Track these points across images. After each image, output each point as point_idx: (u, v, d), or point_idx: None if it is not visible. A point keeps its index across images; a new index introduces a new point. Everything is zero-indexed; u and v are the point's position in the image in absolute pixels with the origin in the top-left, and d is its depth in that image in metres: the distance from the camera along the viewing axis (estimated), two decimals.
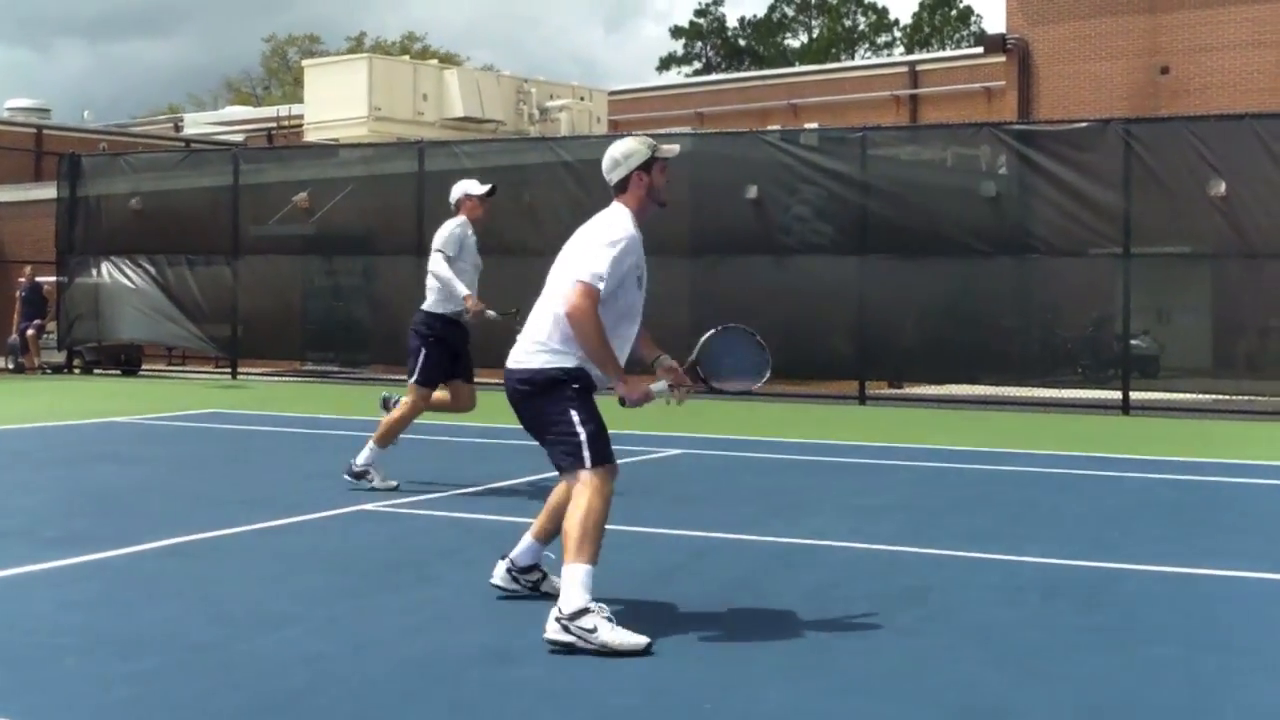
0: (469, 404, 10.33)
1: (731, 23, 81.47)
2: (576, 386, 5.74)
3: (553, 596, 5.83)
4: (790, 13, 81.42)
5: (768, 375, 6.45)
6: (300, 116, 35.12)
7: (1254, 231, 17.41)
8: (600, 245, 5.76)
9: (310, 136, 31.81)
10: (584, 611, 5.38)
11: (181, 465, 11.71)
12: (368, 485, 9.63)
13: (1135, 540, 8.18)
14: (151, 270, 24.19)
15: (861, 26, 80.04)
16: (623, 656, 5.28)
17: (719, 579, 6.86)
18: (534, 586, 6.30)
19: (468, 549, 7.61)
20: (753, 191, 20.08)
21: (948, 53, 56.82)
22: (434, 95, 31.53)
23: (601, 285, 5.67)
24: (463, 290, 9.89)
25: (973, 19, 74.88)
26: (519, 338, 5.92)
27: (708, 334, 6.36)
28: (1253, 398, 17.89)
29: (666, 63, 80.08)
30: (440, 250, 9.93)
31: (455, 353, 10.09)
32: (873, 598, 6.41)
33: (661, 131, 27.68)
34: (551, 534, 6.19)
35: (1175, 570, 7.20)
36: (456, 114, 31.33)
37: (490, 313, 10.02)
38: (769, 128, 27.45)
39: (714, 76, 61.29)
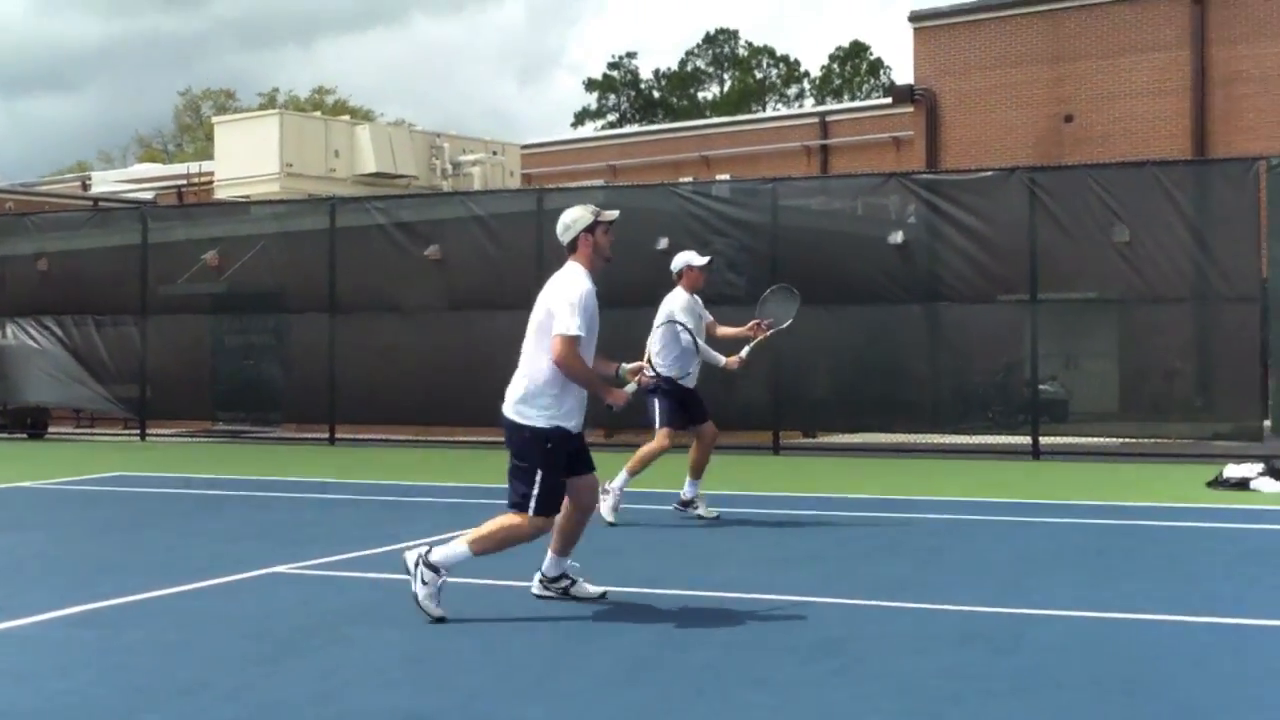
0: (710, 436, 11.42)
1: (645, 75, 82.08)
2: (549, 445, 7.13)
3: (582, 600, 7.48)
4: (703, 65, 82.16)
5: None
6: (211, 173, 34.84)
7: (1157, 276, 17.72)
8: (567, 304, 7.06)
9: (221, 194, 31.56)
10: (436, 571, 6.97)
11: (87, 531, 11.51)
12: (694, 514, 11.14)
13: (1047, 585, 8.26)
14: (58, 331, 23.84)
15: (773, 78, 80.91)
16: (420, 609, 6.93)
17: (633, 633, 6.84)
18: (564, 591, 7.56)
19: (381, 609, 7.54)
20: (664, 243, 20.16)
21: (857, 103, 57.51)
22: (346, 151, 31.41)
23: (580, 333, 7.07)
24: (721, 359, 11.37)
25: (883, 70, 75.96)
26: (508, 389, 7.27)
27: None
28: (1159, 440, 18.15)
29: (581, 116, 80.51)
30: (682, 323, 10.31)
31: (683, 402, 11.11)
32: (786, 649, 6.42)
33: (574, 185, 27.82)
34: (566, 546, 7.55)
35: (1086, 615, 7.27)
36: (369, 169, 31.22)
37: (746, 351, 11.26)
38: (681, 180, 27.65)
39: (627, 129, 61.61)
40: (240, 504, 13.23)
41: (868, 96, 69.95)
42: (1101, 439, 18.56)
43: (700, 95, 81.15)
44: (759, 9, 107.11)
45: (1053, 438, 18.31)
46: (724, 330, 11.37)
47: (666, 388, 10.28)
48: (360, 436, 21.97)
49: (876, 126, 37.29)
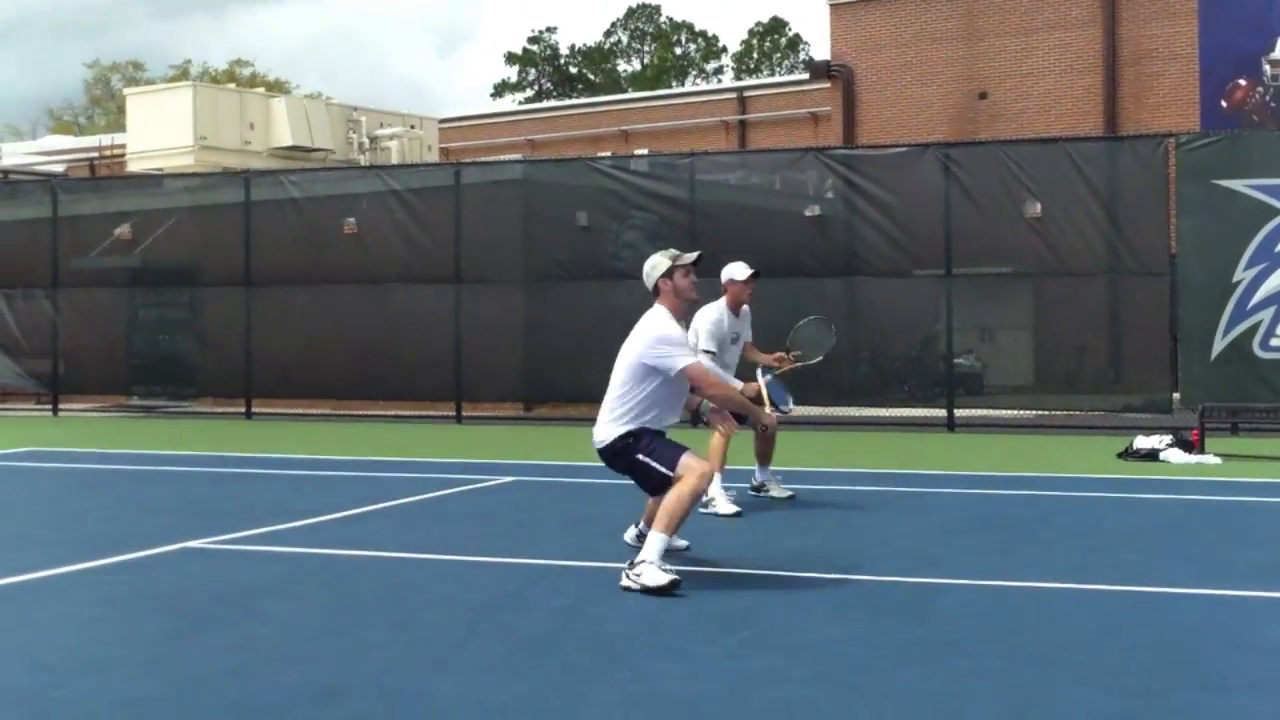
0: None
1: (564, 49, 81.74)
2: (631, 440, 7.46)
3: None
4: (623, 40, 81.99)
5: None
6: (123, 146, 34.37)
7: (1069, 251, 17.96)
8: (671, 339, 7.50)
9: (133, 166, 31.15)
10: (641, 563, 7.09)
11: None
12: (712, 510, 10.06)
13: (958, 555, 8.37)
14: None
15: (692, 53, 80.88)
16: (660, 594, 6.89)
17: (553, 606, 6.86)
18: (639, 538, 7.99)
19: (295, 584, 7.51)
20: (583, 218, 20.19)
21: (775, 79, 57.68)
22: (261, 124, 31.10)
23: (708, 359, 8.30)
24: (738, 385, 9.86)
25: (802, 46, 76.15)
26: (597, 424, 7.60)
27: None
28: (1072, 413, 18.44)
29: (500, 89, 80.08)
30: (707, 350, 10.06)
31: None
32: (698, 620, 6.47)
33: (492, 159, 27.71)
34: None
35: (996, 584, 7.39)
36: (285, 143, 30.95)
37: (766, 378, 10.21)
38: (600, 154, 27.63)
39: (546, 104, 61.40)
40: (154, 479, 13.10)
41: (788, 73, 70.11)
42: (1015, 411, 18.82)
43: (620, 70, 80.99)
44: None
45: (968, 410, 18.55)
46: (755, 355, 10.68)
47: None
48: (277, 411, 21.83)
49: (794, 102, 37.45)
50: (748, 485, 11.03)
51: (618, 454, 7.52)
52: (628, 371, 7.54)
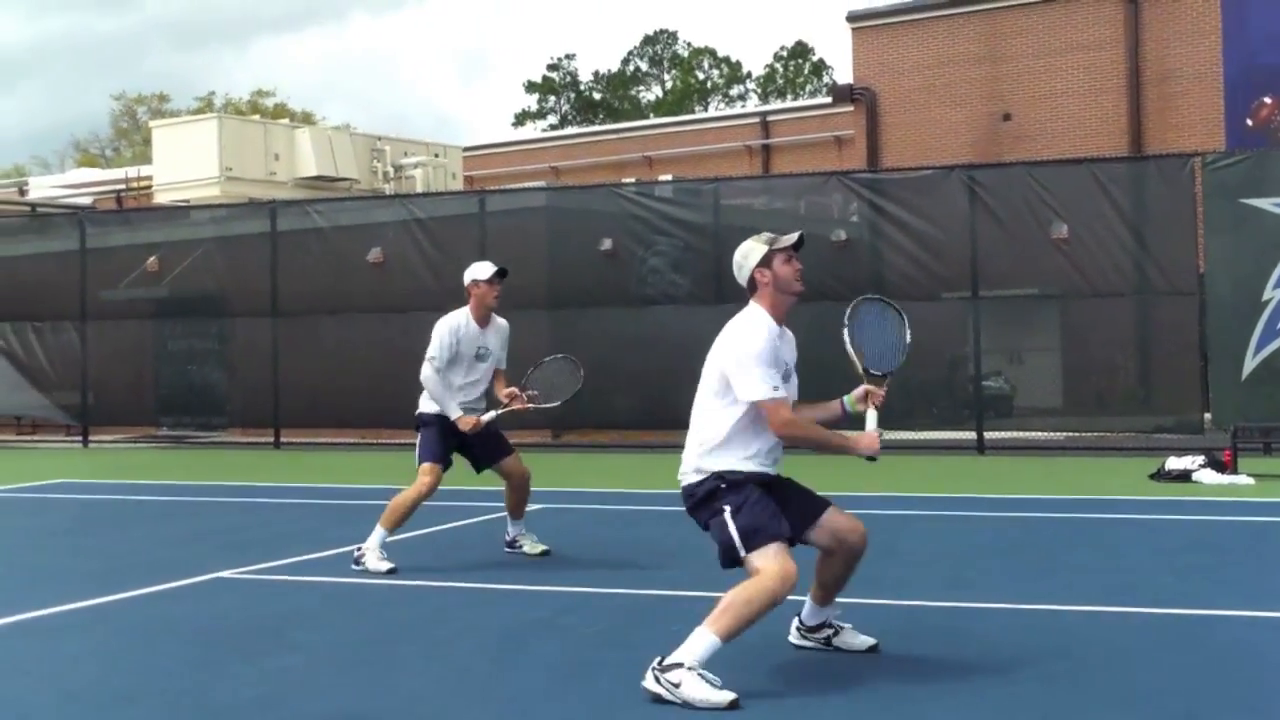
0: (518, 476, 9.42)
1: (585, 76, 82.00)
2: (723, 487, 5.79)
3: (847, 651, 6.23)
4: (643, 66, 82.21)
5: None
6: (150, 178, 34.54)
7: (1096, 272, 17.87)
8: (752, 358, 5.77)
9: (160, 198, 31.30)
10: (677, 666, 5.41)
11: (27, 539, 11.37)
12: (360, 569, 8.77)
13: (991, 578, 8.31)
14: None
15: (715, 79, 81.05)
16: (705, 711, 5.29)
17: (584, 633, 6.82)
18: (826, 642, 6.34)
19: (325, 613, 7.49)
20: (608, 244, 20.19)
21: (798, 103, 57.71)
22: (286, 155, 31.21)
23: (779, 394, 5.77)
24: (455, 413, 9.03)
25: (826, 71, 76.20)
26: (683, 454, 5.95)
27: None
28: (1103, 434, 18.33)
29: (522, 118, 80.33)
30: (431, 358, 9.13)
31: (464, 442, 9.20)
32: (733, 646, 6.41)
33: (517, 187, 27.76)
34: (827, 594, 6.30)
35: (1030, 607, 7.32)
36: (309, 173, 31.04)
37: (488, 416, 9.22)
38: (624, 180, 27.66)
39: (569, 131, 61.56)
40: (183, 509, 13.11)
41: (812, 97, 70.15)
42: (1045, 433, 18.70)
43: (641, 96, 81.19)
44: (698, 10, 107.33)
45: (997, 432, 18.45)
46: (497, 386, 9.49)
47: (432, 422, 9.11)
48: (305, 440, 21.85)
49: (818, 126, 37.42)
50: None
51: (701, 503, 5.87)
52: (717, 384, 5.89)
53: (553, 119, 79.55)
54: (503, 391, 9.22)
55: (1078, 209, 17.99)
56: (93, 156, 70.14)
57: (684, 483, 5.93)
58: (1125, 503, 12.26)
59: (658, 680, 5.42)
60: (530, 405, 9.26)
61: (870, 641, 6.32)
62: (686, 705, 5.32)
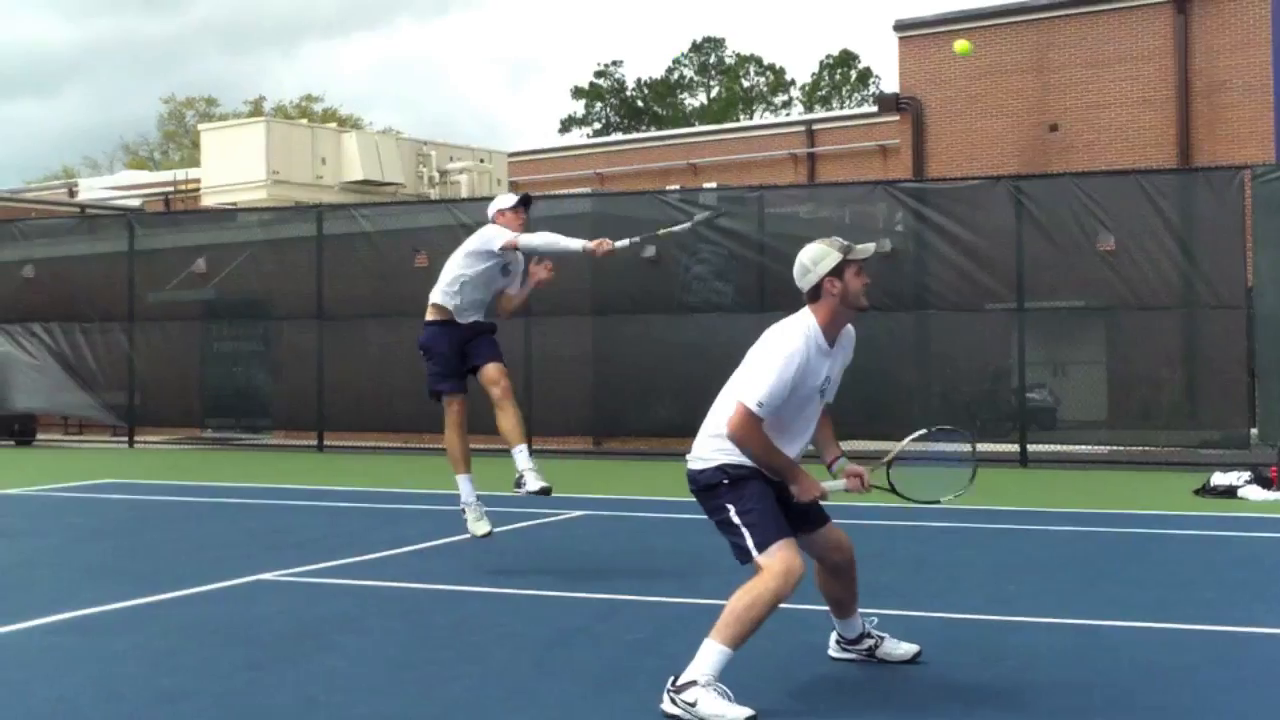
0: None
1: (630, 83, 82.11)
2: (726, 483, 5.66)
3: (892, 661, 6.15)
4: (689, 74, 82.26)
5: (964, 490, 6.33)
6: (198, 180, 34.84)
7: (1142, 284, 17.77)
8: (768, 365, 5.56)
9: (208, 201, 31.56)
10: (690, 685, 5.29)
11: (75, 537, 11.48)
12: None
13: (1033, 593, 8.27)
14: (46, 338, 23.85)
15: (760, 86, 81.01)
16: None
17: (623, 641, 6.84)
18: (870, 652, 6.26)
19: (367, 617, 7.53)
20: (651, 251, 20.21)
21: (843, 112, 57.64)
22: (332, 158, 31.43)
23: (760, 410, 5.49)
24: (579, 243, 9.39)
25: (872, 79, 76.06)
26: (695, 439, 5.85)
27: (913, 437, 6.22)
28: (1147, 448, 18.21)
29: (567, 124, 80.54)
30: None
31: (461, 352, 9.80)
32: (771, 656, 6.42)
33: (562, 193, 27.82)
34: (845, 609, 6.23)
35: (1073, 623, 7.28)
36: (355, 177, 31.24)
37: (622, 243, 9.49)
38: (668, 187, 27.69)
39: (614, 137, 61.70)
40: (227, 511, 13.20)
41: (857, 105, 70.04)
42: (1089, 446, 18.60)
43: (687, 103, 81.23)
44: (746, 17, 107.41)
45: (1041, 445, 18.36)
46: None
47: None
48: (349, 444, 21.96)
49: (863, 135, 37.40)
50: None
51: (703, 491, 5.75)
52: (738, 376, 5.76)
53: (598, 125, 79.70)
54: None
55: (1125, 221, 17.89)
56: (141, 159, 70.74)
57: (690, 467, 5.80)
58: (1169, 518, 12.18)
59: (674, 701, 5.30)
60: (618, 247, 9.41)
61: (913, 649, 6.24)
62: None
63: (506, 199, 9.86)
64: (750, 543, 5.51)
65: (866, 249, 5.79)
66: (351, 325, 21.77)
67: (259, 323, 23.57)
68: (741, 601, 5.38)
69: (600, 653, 6.58)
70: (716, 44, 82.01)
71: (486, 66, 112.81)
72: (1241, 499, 13.42)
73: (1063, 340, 19.50)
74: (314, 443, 21.78)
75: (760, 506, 5.57)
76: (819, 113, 64.83)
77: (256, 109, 67.13)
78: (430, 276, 9.96)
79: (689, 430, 5.99)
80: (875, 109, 36.23)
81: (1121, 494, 14.42)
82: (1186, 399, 18.62)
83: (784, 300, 6.04)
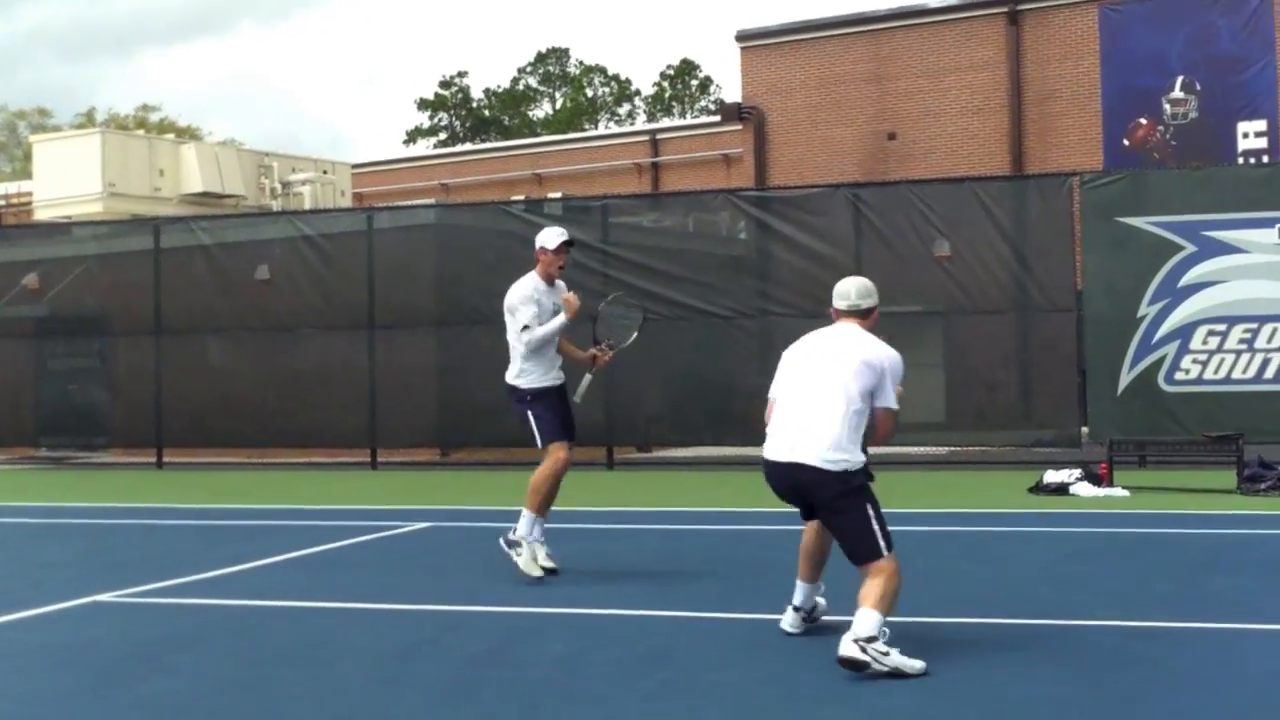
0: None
1: (476, 94, 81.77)
2: (871, 482, 6.59)
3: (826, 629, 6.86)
4: (534, 84, 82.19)
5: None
6: (30, 194, 33.91)
7: (978, 289, 18.17)
8: (899, 374, 6.78)
9: (41, 214, 30.74)
10: (875, 638, 6.02)
11: None
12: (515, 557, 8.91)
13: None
14: None
15: (604, 97, 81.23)
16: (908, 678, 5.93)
17: (470, 652, 6.82)
18: (813, 618, 7.06)
19: (206, 637, 7.41)
20: (496, 262, 20.15)
21: (687, 121, 58.03)
22: (171, 170, 30.79)
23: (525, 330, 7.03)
24: (559, 321, 9.37)
25: (713, 88, 76.70)
26: (802, 439, 6.62)
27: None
28: (984, 448, 18.64)
29: (413, 135, 79.90)
30: (525, 326, 9.38)
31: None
32: (616, 663, 6.46)
33: (406, 204, 27.64)
34: (820, 568, 7.03)
35: (917, 620, 7.42)
36: (195, 189, 30.63)
37: (583, 386, 9.47)
38: (514, 198, 27.65)
39: (459, 148, 61.34)
40: (62, 532, 12.88)
41: (699, 114, 70.60)
42: (928, 448, 18.96)
43: (532, 114, 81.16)
44: (590, 28, 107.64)
45: (880, 447, 18.62)
46: (570, 349, 9.71)
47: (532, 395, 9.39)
48: (189, 460, 21.56)
49: (706, 144, 37.68)
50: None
51: (846, 497, 6.53)
52: (872, 384, 6.72)
53: (444, 136, 79.26)
54: (583, 353, 9.51)
55: (960, 227, 18.28)
56: None
57: (834, 469, 6.45)
58: (1005, 515, 12.48)
59: (863, 650, 5.98)
60: (611, 354, 9.63)
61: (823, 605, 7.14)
62: (894, 672, 5.95)
63: (552, 237, 9.50)
64: (883, 544, 6.36)
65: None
66: (191, 339, 21.38)
67: (95, 338, 23.04)
68: (889, 589, 6.24)
69: (447, 665, 6.56)
70: (561, 54, 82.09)
71: (329, 78, 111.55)
72: (1073, 496, 13.80)
73: (901, 344, 19.68)
74: (153, 460, 21.34)
75: (881, 511, 6.48)
76: (663, 122, 65.24)
77: (89, 120, 65.52)
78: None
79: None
80: (718, 118, 36.55)
81: (958, 493, 14.74)
82: (1020, 399, 19.09)
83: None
